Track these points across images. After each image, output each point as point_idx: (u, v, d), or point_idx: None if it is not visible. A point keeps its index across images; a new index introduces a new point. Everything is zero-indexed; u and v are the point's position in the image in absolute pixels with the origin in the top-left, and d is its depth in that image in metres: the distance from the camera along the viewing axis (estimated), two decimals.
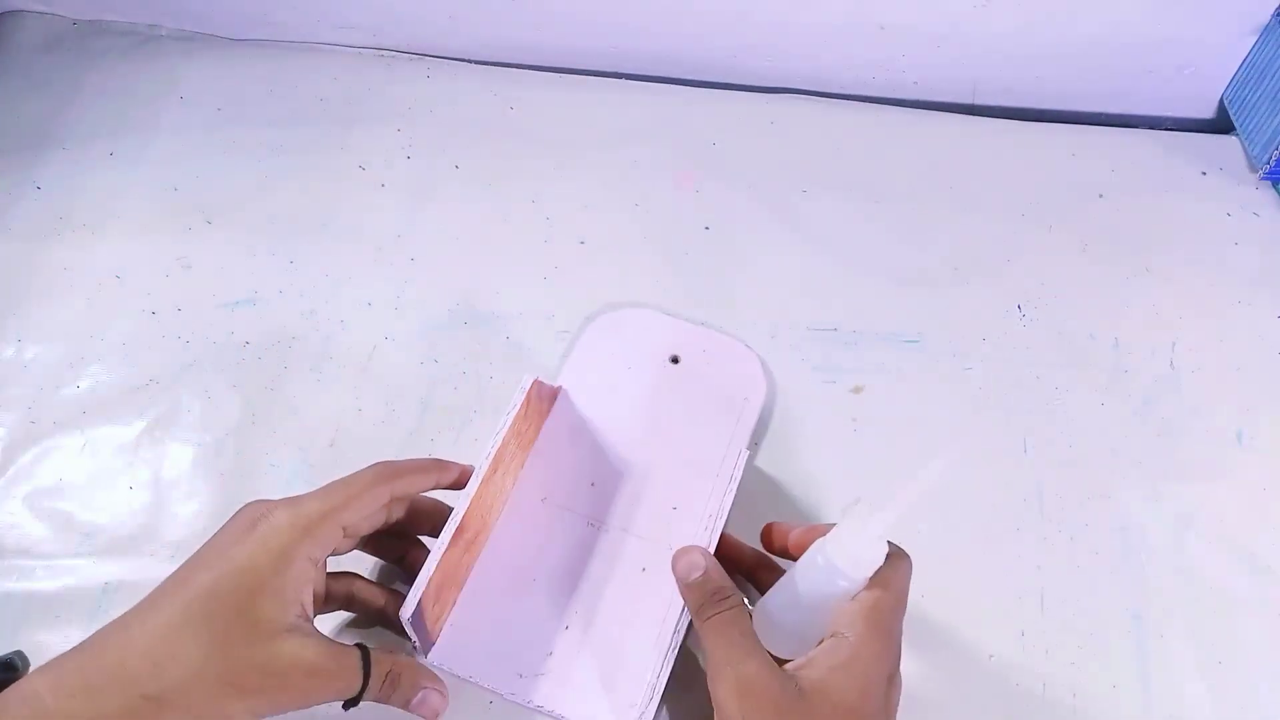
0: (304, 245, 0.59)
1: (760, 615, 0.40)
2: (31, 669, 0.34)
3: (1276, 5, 0.59)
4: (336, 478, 0.40)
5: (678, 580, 0.41)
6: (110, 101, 0.65)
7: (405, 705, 0.40)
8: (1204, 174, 0.64)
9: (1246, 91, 0.63)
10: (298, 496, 0.38)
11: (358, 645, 0.38)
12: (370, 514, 0.40)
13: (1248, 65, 0.62)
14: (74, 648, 0.34)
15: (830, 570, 0.36)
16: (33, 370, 0.54)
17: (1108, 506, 0.51)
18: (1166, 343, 0.57)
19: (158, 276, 0.58)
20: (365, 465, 0.41)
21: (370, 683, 0.38)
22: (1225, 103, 0.65)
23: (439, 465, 0.43)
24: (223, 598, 0.34)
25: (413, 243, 0.60)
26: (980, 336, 0.57)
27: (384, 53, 0.69)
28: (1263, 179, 0.63)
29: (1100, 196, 0.63)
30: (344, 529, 0.38)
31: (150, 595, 0.36)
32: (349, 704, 0.38)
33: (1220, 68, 0.64)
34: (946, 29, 0.63)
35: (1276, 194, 0.63)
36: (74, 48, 0.68)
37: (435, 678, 0.41)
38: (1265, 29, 0.60)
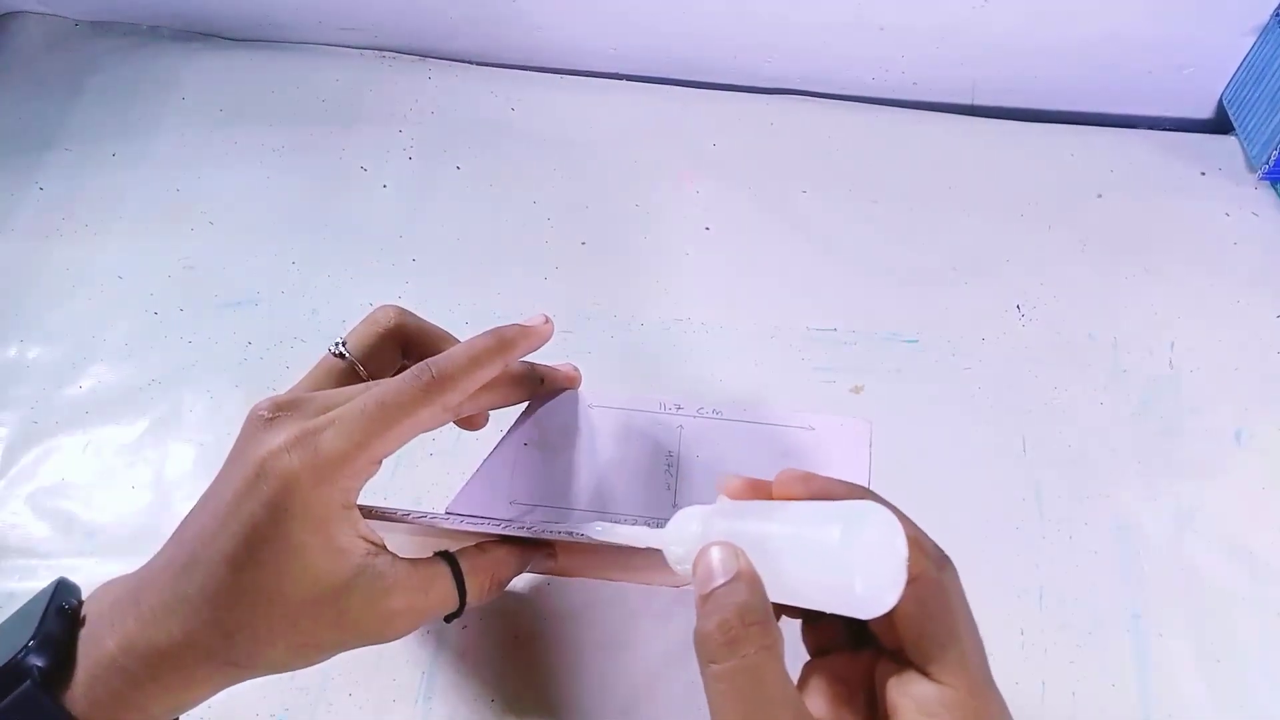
0: (306, 245, 0.60)
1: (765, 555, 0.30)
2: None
3: (1276, 6, 0.59)
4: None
5: (695, 589, 0.30)
6: (112, 102, 0.66)
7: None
8: (1203, 174, 0.64)
9: (1245, 91, 0.63)
10: (313, 423, 0.31)
11: (441, 556, 0.34)
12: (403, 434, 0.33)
13: (1247, 65, 0.62)
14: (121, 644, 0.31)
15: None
16: (35, 370, 0.55)
17: (1107, 506, 0.51)
18: (1165, 342, 0.57)
19: (160, 277, 0.58)
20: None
21: (469, 596, 0.34)
22: (1224, 103, 0.65)
23: (528, 369, 0.38)
24: (258, 569, 0.30)
25: (414, 243, 0.60)
26: (979, 336, 0.57)
27: (385, 53, 0.69)
28: (1261, 179, 0.63)
29: (1099, 196, 0.63)
30: (378, 461, 0.32)
31: (161, 571, 0.31)
32: (450, 617, 0.35)
33: (1219, 68, 0.64)
34: (946, 29, 0.63)
35: (1275, 194, 0.63)
36: (76, 48, 0.68)
37: (539, 545, 0.37)
38: (1264, 29, 0.60)
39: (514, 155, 0.64)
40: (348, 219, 0.61)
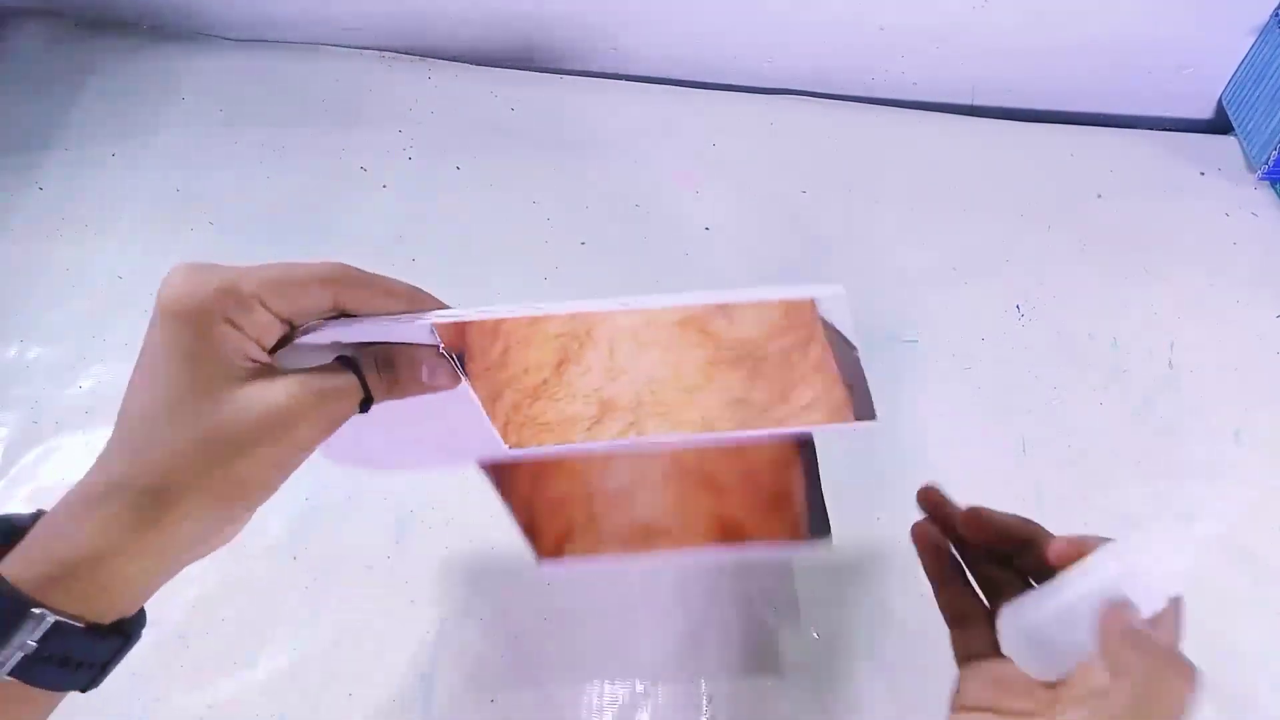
0: (306, 245, 0.60)
1: (1015, 625, 0.35)
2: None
3: (1275, 6, 0.59)
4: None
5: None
6: (112, 102, 0.66)
7: (418, 390, 0.38)
8: (1202, 174, 0.64)
9: (1245, 92, 0.63)
10: (223, 266, 0.34)
11: (340, 360, 0.36)
12: (304, 310, 0.35)
13: (1246, 66, 0.62)
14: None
15: (1125, 587, 0.32)
16: (35, 370, 0.54)
17: (1106, 505, 0.51)
18: (1165, 342, 0.57)
19: (160, 277, 0.58)
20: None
21: (371, 389, 0.36)
22: (1224, 103, 0.65)
23: (411, 296, 0.39)
24: (169, 365, 0.33)
25: (414, 243, 0.60)
26: (979, 336, 0.57)
27: (385, 54, 0.69)
28: (1261, 179, 0.63)
29: (1099, 197, 0.63)
30: (272, 311, 0.34)
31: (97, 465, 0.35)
32: (364, 407, 0.36)
33: (1219, 68, 0.64)
34: (946, 29, 0.63)
35: (1274, 194, 0.63)
36: (76, 49, 0.68)
37: (430, 351, 0.38)
38: (1263, 30, 0.60)
39: (514, 155, 0.64)
40: (347, 219, 0.61)
